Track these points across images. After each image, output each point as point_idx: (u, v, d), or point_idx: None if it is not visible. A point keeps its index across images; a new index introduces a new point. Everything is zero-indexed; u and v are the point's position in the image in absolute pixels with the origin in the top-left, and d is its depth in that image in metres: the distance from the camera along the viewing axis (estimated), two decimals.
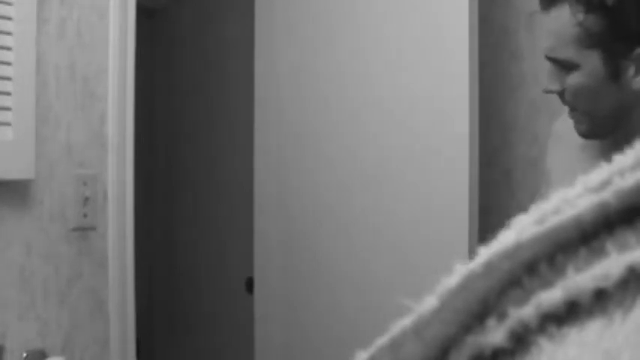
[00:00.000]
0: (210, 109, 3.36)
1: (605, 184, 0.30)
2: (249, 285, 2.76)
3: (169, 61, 3.59)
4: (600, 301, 0.27)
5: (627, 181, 0.29)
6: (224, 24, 3.28)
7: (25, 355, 1.54)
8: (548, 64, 1.20)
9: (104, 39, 1.83)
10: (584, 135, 1.24)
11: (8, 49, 1.58)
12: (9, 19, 1.58)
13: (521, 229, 0.30)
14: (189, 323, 3.41)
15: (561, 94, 1.20)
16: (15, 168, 1.59)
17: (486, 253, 0.30)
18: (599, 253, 0.28)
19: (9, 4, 1.57)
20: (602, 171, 0.31)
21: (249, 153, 2.69)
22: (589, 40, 1.10)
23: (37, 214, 1.66)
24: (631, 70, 1.12)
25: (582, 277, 0.28)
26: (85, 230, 1.77)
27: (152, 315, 3.55)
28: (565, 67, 1.16)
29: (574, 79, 1.15)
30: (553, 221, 0.30)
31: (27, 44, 1.61)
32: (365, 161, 2.30)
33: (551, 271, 0.28)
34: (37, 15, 1.64)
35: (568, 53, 1.13)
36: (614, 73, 1.12)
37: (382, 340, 0.30)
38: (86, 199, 1.76)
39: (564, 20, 1.11)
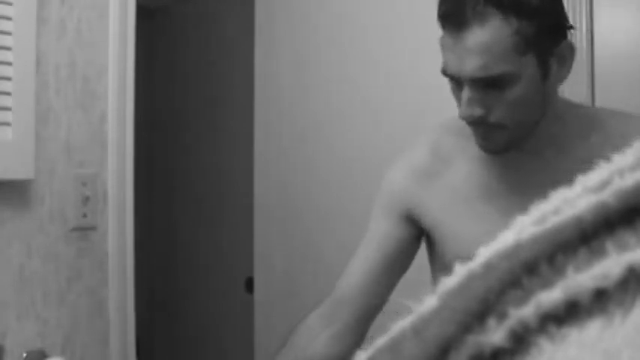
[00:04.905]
0: (211, 109, 3.36)
1: (604, 184, 0.30)
2: (249, 285, 2.76)
3: (169, 61, 3.59)
4: (600, 301, 0.27)
5: (627, 182, 0.29)
6: (224, 24, 3.28)
7: (25, 355, 1.54)
8: (467, 91, 1.09)
9: (104, 38, 1.83)
10: (499, 151, 1.17)
11: (8, 49, 1.58)
12: (9, 19, 1.58)
13: (521, 229, 0.30)
14: (189, 323, 3.41)
15: (483, 118, 1.11)
16: (15, 168, 1.59)
17: (486, 253, 0.30)
18: (599, 253, 0.28)
19: (9, 4, 1.57)
20: (602, 171, 0.31)
21: (250, 153, 2.69)
22: (525, 45, 1.05)
23: (37, 214, 1.66)
24: (554, 66, 1.11)
25: (582, 277, 0.28)
26: (85, 230, 1.77)
27: (152, 315, 3.56)
28: (498, 84, 1.08)
29: (513, 92, 1.08)
30: (553, 221, 0.30)
31: (27, 44, 1.61)
32: (365, 160, 2.30)
33: (551, 271, 0.28)
34: (37, 15, 1.64)
35: (507, 66, 1.06)
36: (545, 73, 1.10)
37: (382, 340, 0.30)
38: (86, 199, 1.76)
39: (498, 33, 1.05)
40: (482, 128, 1.14)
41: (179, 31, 3.54)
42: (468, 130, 1.19)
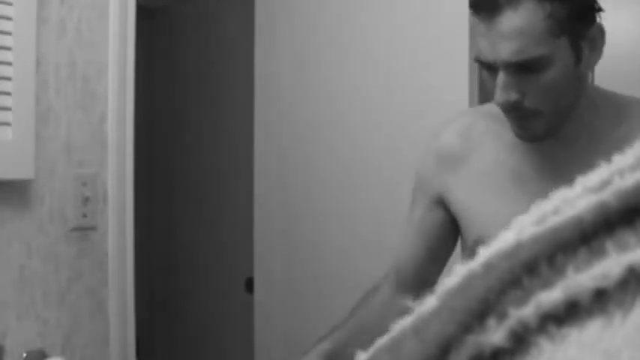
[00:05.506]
0: (211, 109, 3.36)
1: (605, 184, 0.30)
2: (249, 285, 2.76)
3: (169, 61, 3.59)
4: (600, 301, 0.27)
5: (627, 182, 0.29)
6: (224, 24, 3.28)
7: (25, 355, 1.54)
8: (502, 76, 1.10)
9: (104, 38, 1.83)
10: (538, 139, 1.17)
11: (8, 49, 1.58)
12: (9, 19, 1.58)
13: (521, 229, 0.30)
14: (189, 323, 3.41)
15: (519, 103, 1.11)
16: (15, 168, 1.59)
17: (486, 253, 0.30)
18: (599, 253, 0.28)
19: (9, 4, 1.57)
20: (602, 171, 0.31)
21: (250, 153, 2.69)
22: (558, 28, 1.06)
23: (37, 214, 1.66)
24: (586, 49, 1.11)
25: (582, 277, 0.28)
26: (85, 230, 1.77)
27: (152, 315, 3.56)
28: (533, 68, 1.09)
29: (548, 76, 1.09)
30: (553, 221, 0.30)
31: (27, 44, 1.61)
32: (365, 160, 2.30)
33: (551, 271, 0.28)
34: (37, 15, 1.64)
35: (541, 50, 1.07)
36: (578, 56, 1.10)
37: (382, 340, 0.30)
38: (86, 199, 1.76)
39: (532, 17, 1.05)
40: (519, 114, 1.14)
41: (179, 31, 3.54)
42: (502, 116, 1.20)
